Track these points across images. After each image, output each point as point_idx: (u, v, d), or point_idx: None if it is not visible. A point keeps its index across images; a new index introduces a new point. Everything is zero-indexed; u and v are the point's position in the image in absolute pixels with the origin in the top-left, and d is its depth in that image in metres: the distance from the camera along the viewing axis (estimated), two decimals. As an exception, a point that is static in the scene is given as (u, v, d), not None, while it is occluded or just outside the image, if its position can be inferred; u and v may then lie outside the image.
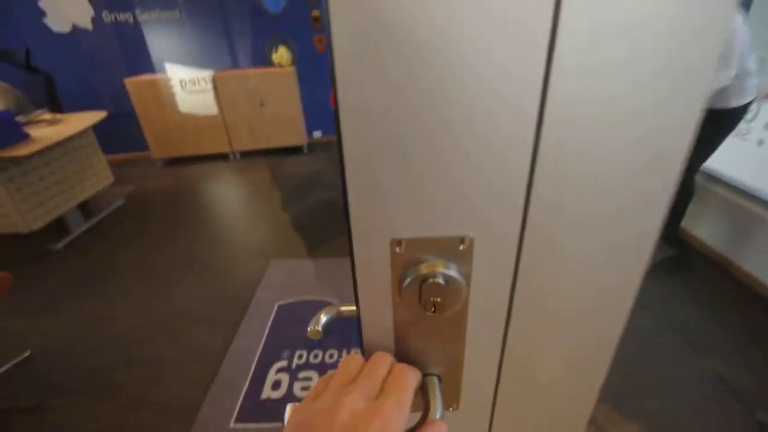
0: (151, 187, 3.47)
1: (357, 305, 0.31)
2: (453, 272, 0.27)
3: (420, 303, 0.28)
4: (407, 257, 0.28)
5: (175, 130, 3.74)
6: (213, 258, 2.35)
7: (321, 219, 2.71)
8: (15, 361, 1.64)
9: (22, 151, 1.96)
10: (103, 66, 3.72)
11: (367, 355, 0.33)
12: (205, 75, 3.59)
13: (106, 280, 2.16)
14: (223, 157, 3.99)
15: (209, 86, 3.59)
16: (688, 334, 1.67)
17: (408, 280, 0.28)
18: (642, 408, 1.37)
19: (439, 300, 0.28)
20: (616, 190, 0.25)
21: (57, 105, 3.13)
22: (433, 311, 0.28)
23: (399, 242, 0.27)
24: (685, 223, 2.27)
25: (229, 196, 3.22)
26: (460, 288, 0.28)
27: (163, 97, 3.58)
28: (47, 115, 2.55)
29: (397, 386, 0.26)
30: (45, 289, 2.11)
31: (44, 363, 1.67)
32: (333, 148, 4.22)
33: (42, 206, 2.25)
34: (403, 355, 0.32)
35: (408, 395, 0.26)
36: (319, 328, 0.36)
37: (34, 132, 2.27)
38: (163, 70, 3.80)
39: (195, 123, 3.73)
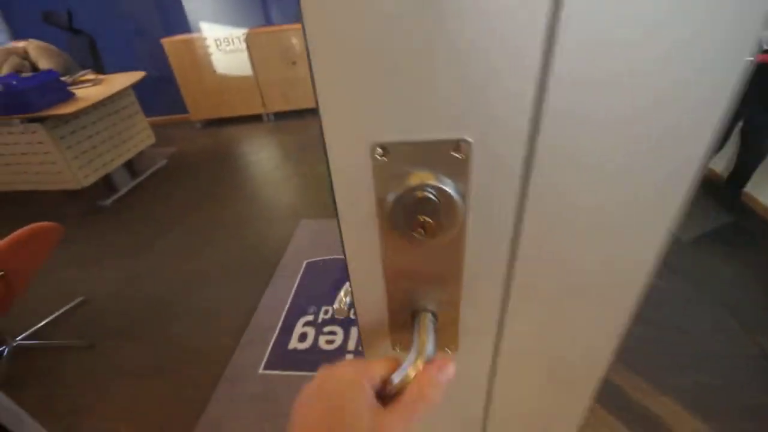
0: (191, 148, 3.58)
1: (339, 230, 0.27)
2: (446, 186, 0.23)
3: (408, 225, 0.24)
4: (391, 167, 0.23)
5: (212, 91, 3.78)
6: (247, 216, 2.41)
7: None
8: (69, 305, 1.80)
9: (69, 108, 2.05)
10: (142, 26, 3.78)
11: (356, 293, 0.30)
12: (239, 33, 3.56)
13: (150, 236, 2.29)
14: (257, 118, 4.01)
15: (243, 45, 3.56)
16: (735, 307, 1.53)
17: (392, 195, 0.23)
18: (677, 383, 1.29)
19: (429, 221, 0.23)
20: (651, 111, 0.19)
21: (100, 66, 3.24)
22: (423, 234, 0.24)
23: (382, 147, 0.23)
24: (750, 188, 2.04)
25: (262, 158, 3.26)
26: (455, 206, 0.23)
27: (199, 57, 3.60)
28: (90, 76, 2.65)
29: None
30: (95, 243, 2.27)
31: (95, 309, 1.82)
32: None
33: (91, 164, 2.38)
34: (393, 290, 0.28)
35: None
36: (345, 307, 0.34)
37: (79, 92, 2.36)
38: (198, 29, 3.80)
39: (230, 84, 3.75)
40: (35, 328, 1.67)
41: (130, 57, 3.88)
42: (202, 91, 3.78)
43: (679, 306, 1.57)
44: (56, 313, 1.75)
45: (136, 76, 2.70)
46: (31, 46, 2.74)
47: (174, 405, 1.38)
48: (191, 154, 3.46)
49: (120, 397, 1.43)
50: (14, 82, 1.96)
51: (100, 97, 2.25)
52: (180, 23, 3.79)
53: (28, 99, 1.99)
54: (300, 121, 3.90)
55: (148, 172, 3.01)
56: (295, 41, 3.57)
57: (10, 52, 2.67)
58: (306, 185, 2.70)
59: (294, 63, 3.67)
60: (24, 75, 2.36)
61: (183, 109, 4.02)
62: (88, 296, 1.87)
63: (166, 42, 3.54)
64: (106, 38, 3.64)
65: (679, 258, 1.80)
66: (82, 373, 1.53)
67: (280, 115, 4.03)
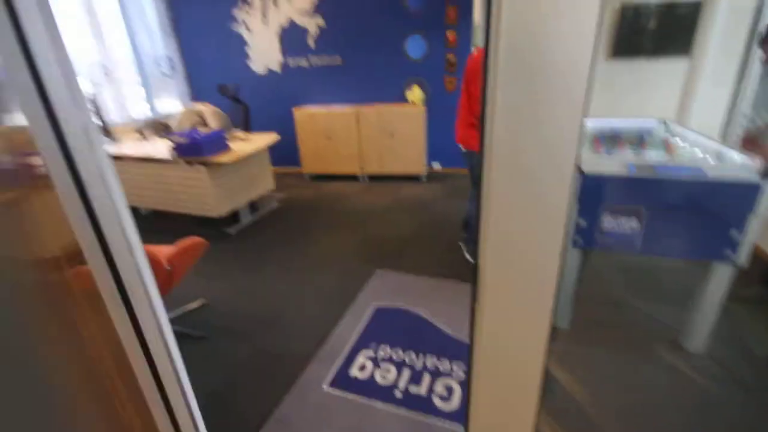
0: (298, 195, 4.30)
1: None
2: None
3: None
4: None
5: (322, 151, 4.56)
6: (334, 257, 2.86)
7: (426, 240, 3.03)
8: (193, 306, 2.34)
9: (226, 159, 2.79)
10: (282, 98, 4.81)
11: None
12: (351, 108, 4.33)
13: (260, 261, 2.85)
14: (354, 178, 4.67)
15: (354, 118, 4.31)
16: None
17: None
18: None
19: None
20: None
21: (248, 126, 4.21)
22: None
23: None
24: None
25: (353, 211, 3.79)
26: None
27: (317, 124, 4.43)
28: (241, 135, 3.50)
29: None
30: (219, 260, 2.89)
31: (211, 310, 2.35)
32: (449, 179, 4.56)
33: (228, 199, 3.10)
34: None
35: None
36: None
37: (233, 145, 3.16)
38: (321, 103, 4.71)
39: (337, 147, 4.50)
40: (169, 315, 2.23)
41: (270, 120, 4.91)
42: (315, 150, 4.58)
43: (753, 428, 1.52)
44: (184, 307, 2.31)
45: (272, 138, 3.49)
46: (207, 109, 3.74)
47: (255, 395, 1.74)
48: (298, 200, 4.16)
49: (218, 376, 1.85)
50: (197, 137, 2.75)
51: (246, 153, 2.99)
52: (309, 98, 4.74)
53: (202, 148, 2.77)
54: (389, 185, 4.45)
55: (265, 211, 3.72)
56: (395, 120, 4.21)
57: (193, 112, 3.69)
58: (384, 241, 3.11)
59: (392, 136, 4.30)
60: (201, 130, 3.26)
61: (297, 163, 4.86)
62: (208, 300, 2.42)
63: (296, 111, 4.45)
64: (257, 106, 4.72)
65: (753, 374, 1.73)
66: (195, 358, 2.00)
67: (374, 177, 4.64)
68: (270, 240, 3.19)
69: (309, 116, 4.43)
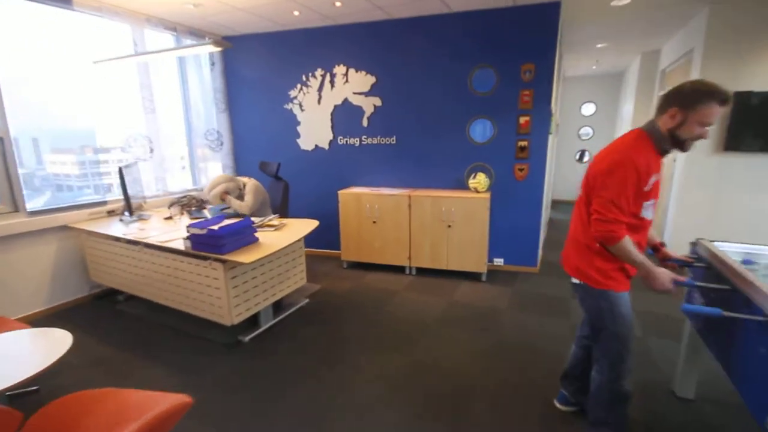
0: (333, 288, 3.66)
1: None
2: None
3: None
4: None
5: (366, 237, 3.99)
6: (372, 401, 2.08)
7: (502, 389, 2.18)
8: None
9: (250, 257, 2.24)
10: (327, 176, 4.42)
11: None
12: (403, 191, 3.81)
13: (273, 394, 2.14)
14: (399, 269, 3.99)
15: (405, 203, 3.75)
16: None
17: None
18: None
19: None
20: None
21: (286, 205, 3.77)
22: None
23: None
24: None
25: (399, 318, 3.05)
26: None
27: (363, 206, 3.91)
28: (275, 221, 3.01)
29: None
30: (219, 384, 2.21)
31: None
32: (516, 280, 3.74)
33: (246, 303, 2.50)
34: None
35: None
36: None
37: (262, 235, 2.64)
38: (370, 185, 4.24)
39: (383, 234, 3.91)
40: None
41: (311, 200, 4.49)
42: (358, 235, 4.01)
43: None
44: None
45: (311, 225, 2.96)
46: (250, 182, 3.35)
47: None
48: (332, 295, 3.50)
49: None
50: (217, 230, 2.25)
51: (277, 247, 2.43)
52: (356, 178, 4.31)
53: (223, 243, 2.25)
54: (442, 281, 3.71)
55: (290, 311, 3.08)
56: (454, 208, 3.60)
57: (236, 181, 3.30)
58: (441, 378, 2.29)
59: (449, 227, 3.66)
60: (229, 217, 2.79)
61: (336, 246, 4.31)
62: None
63: (341, 193, 3.99)
64: (299, 184, 4.35)
65: None
66: None
67: (423, 271, 3.94)
68: (291, 357, 2.49)
69: (354, 197, 3.95)
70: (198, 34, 4.20)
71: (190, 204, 3.76)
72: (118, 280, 3.14)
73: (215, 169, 4.64)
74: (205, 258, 2.37)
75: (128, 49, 3.59)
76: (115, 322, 3.06)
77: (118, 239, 2.84)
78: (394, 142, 4.09)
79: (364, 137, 4.18)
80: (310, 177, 4.48)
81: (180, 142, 4.30)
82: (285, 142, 4.50)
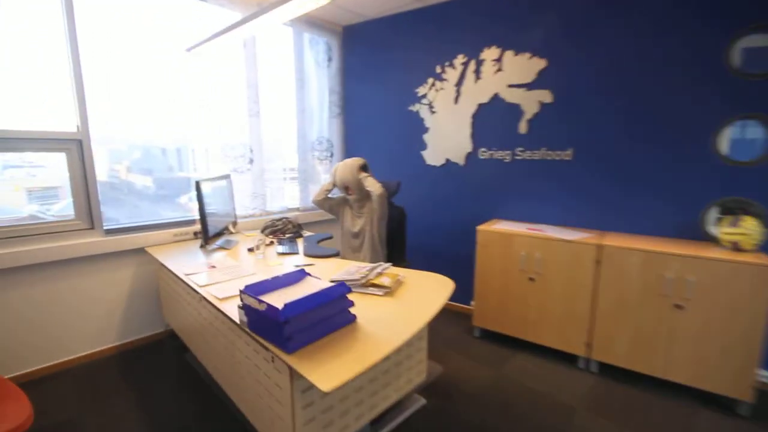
0: (462, 377, 2.39)
1: None
2: None
3: None
4: None
5: (514, 300, 2.64)
6: None
7: None
8: None
9: (336, 376, 1.15)
10: (459, 205, 3.21)
11: None
12: (587, 238, 2.37)
13: None
14: (568, 358, 2.53)
15: (590, 255, 2.31)
16: None
17: None
18: None
19: None
20: None
21: (402, 244, 2.67)
22: None
23: None
24: None
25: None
26: None
27: (514, 254, 2.58)
28: (388, 275, 1.91)
29: None
30: None
31: None
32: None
33: (324, 429, 1.42)
34: None
35: None
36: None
37: (365, 305, 1.56)
38: (525, 219, 2.89)
39: (545, 299, 2.51)
40: None
41: (436, 231, 3.34)
42: (502, 295, 2.69)
43: None
44: None
45: (444, 289, 1.78)
46: (374, 186, 2.40)
47: None
48: (460, 392, 2.24)
49: None
50: (280, 302, 1.22)
51: (389, 349, 1.30)
52: (504, 209, 3.00)
53: (288, 334, 1.21)
54: (649, 397, 2.13)
55: (397, 421, 1.92)
56: (691, 276, 2.02)
57: (354, 172, 2.38)
58: None
59: (678, 307, 2.08)
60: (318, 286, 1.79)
61: (465, 299, 3.06)
62: None
63: (482, 230, 2.73)
64: (418, 209, 3.24)
65: None
66: None
67: (611, 370, 2.40)
68: None
69: (502, 238, 2.64)
70: (316, 24, 3.48)
71: (284, 229, 2.95)
72: (181, 327, 2.44)
73: (314, 187, 3.84)
74: (265, 346, 1.37)
75: (238, 48, 2.99)
76: (169, 374, 2.33)
77: (177, 278, 2.09)
78: (571, 157, 2.67)
79: (519, 149, 2.86)
80: (436, 202, 3.34)
81: (286, 153, 3.60)
82: (406, 154, 3.46)
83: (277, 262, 2.27)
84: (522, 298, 2.61)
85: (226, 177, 2.83)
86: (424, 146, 3.34)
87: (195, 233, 2.84)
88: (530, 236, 2.53)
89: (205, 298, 1.74)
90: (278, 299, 1.33)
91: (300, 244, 2.69)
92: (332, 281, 1.87)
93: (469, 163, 3.13)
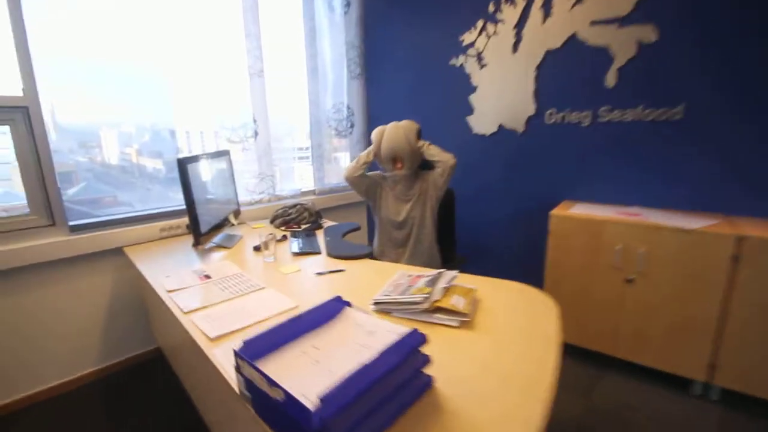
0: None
1: None
2: None
3: None
4: None
5: (602, 307, 2.02)
6: None
7: None
8: None
9: None
10: (519, 183, 2.56)
11: None
12: (717, 226, 1.72)
13: None
14: (677, 382, 1.92)
15: (725, 248, 1.67)
16: None
17: None
18: None
19: None
20: None
21: (451, 232, 2.06)
22: None
23: None
24: None
25: None
26: None
27: (604, 246, 1.95)
28: (458, 291, 1.30)
29: None
30: None
31: None
32: None
33: None
34: None
35: None
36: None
37: (434, 342, 0.97)
38: (613, 201, 2.23)
39: (648, 306, 1.89)
40: None
41: (487, 221, 2.70)
42: (581, 298, 2.07)
43: None
44: None
45: (551, 313, 1.16)
46: (443, 156, 1.77)
47: None
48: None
49: None
50: (313, 397, 0.62)
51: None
52: (582, 189, 2.34)
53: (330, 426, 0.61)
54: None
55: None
56: None
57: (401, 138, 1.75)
58: None
59: None
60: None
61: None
62: None
63: (557, 215, 2.09)
64: (466, 189, 2.60)
65: None
66: None
67: (738, 400, 1.78)
68: None
69: (587, 225, 2.00)
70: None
71: (300, 219, 2.35)
72: (170, 350, 1.89)
73: (341, 163, 3.21)
74: None
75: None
76: (163, 404, 1.80)
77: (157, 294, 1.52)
78: (681, 115, 1.98)
79: (604, 109, 2.18)
80: (485, 182, 2.69)
81: (297, 125, 2.96)
82: (446, 121, 2.78)
83: (293, 267, 1.67)
84: (614, 304, 1.99)
85: (224, 154, 2.21)
86: (469, 110, 2.66)
87: (188, 226, 2.26)
88: (630, 224, 1.89)
89: (190, 336, 1.16)
90: (304, 372, 0.74)
91: (320, 238, 2.09)
92: (376, 303, 1.27)
93: (530, 129, 2.45)
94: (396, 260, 2.07)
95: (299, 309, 1.28)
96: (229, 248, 1.96)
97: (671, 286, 1.83)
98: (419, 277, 1.41)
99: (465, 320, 1.15)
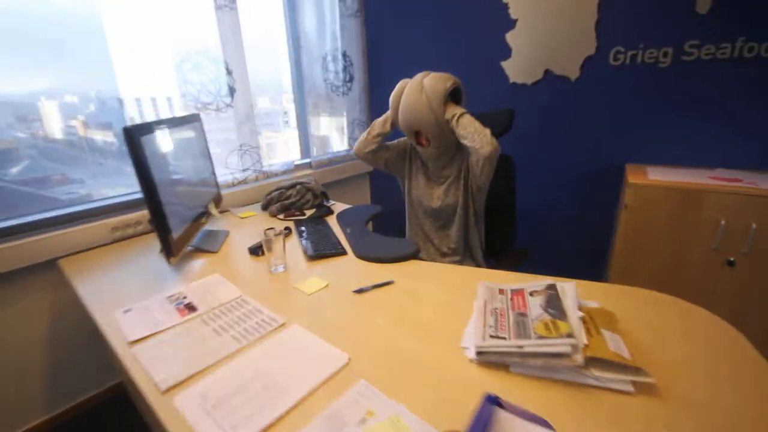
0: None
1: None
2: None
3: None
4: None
5: (689, 294, 1.65)
6: None
7: None
8: None
9: None
10: (569, 145, 2.09)
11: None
12: None
13: None
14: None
15: None
16: None
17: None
18: None
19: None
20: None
21: (510, 217, 1.59)
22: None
23: None
24: None
25: None
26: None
27: (701, 221, 1.55)
28: (598, 316, 0.85)
29: None
30: None
31: None
32: None
33: None
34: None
35: None
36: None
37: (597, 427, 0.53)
38: (700, 164, 1.81)
39: (751, 293, 1.53)
40: None
41: (538, 192, 2.23)
42: (664, 285, 1.69)
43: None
44: None
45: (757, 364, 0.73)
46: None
47: None
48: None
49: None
50: None
51: None
52: (652, 149, 1.89)
53: None
54: None
55: None
56: None
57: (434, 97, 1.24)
58: None
59: None
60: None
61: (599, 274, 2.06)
62: None
63: (635, 184, 1.64)
64: (524, 156, 2.11)
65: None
66: None
67: None
68: None
69: (672, 195, 1.58)
70: None
71: (302, 203, 1.81)
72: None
73: (334, 128, 2.62)
74: None
75: None
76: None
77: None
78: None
79: (691, 44, 1.69)
80: (527, 144, 2.20)
81: (279, 77, 2.32)
82: (475, 68, 2.23)
83: (315, 282, 1.16)
84: (708, 292, 1.62)
85: (193, 120, 1.59)
86: (506, 53, 2.12)
87: (151, 221, 1.67)
88: (737, 193, 1.48)
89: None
90: None
91: (335, 228, 1.57)
92: (481, 353, 0.80)
93: (587, 74, 1.95)
94: (433, 259, 1.59)
95: (360, 364, 0.79)
96: (214, 252, 1.42)
97: (789, 269, 1.46)
98: (520, 294, 0.95)
99: (644, 380, 0.70)
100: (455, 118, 1.36)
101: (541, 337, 0.77)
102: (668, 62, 1.75)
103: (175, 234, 1.23)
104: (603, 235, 2.07)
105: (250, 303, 1.05)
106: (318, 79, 2.35)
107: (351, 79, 2.52)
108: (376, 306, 1.02)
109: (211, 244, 1.46)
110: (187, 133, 1.50)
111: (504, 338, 0.79)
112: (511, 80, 2.13)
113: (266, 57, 2.11)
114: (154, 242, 1.53)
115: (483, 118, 1.40)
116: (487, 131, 1.32)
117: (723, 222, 1.51)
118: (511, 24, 2.05)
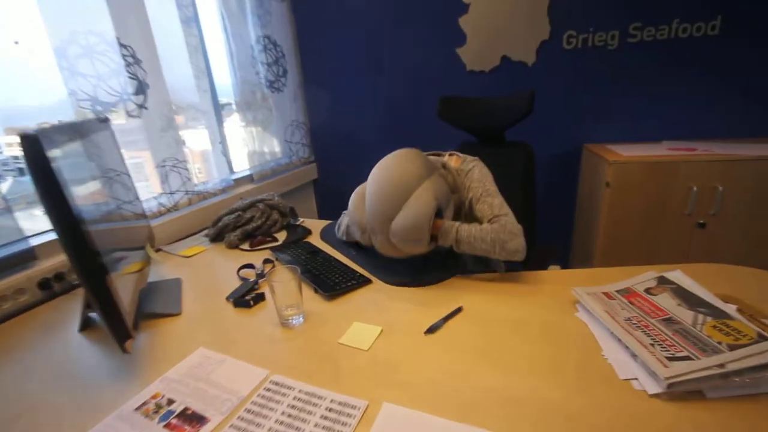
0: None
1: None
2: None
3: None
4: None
5: (666, 260, 1.75)
6: None
7: None
8: None
9: None
10: (531, 131, 2.06)
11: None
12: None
13: None
14: None
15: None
16: None
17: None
18: None
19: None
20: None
21: (532, 216, 1.46)
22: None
23: None
24: None
25: None
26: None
27: (675, 191, 1.64)
28: (751, 320, 0.73)
29: None
30: None
31: None
32: None
33: None
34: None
35: None
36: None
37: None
38: (654, 138, 1.93)
39: (715, 250, 1.68)
40: None
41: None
42: (639, 254, 1.77)
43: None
44: None
45: None
46: (474, 163, 1.02)
47: None
48: None
49: None
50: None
51: None
52: (601, 129, 1.98)
53: None
54: None
55: None
56: None
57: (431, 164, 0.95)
58: None
59: None
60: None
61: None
62: None
63: (616, 162, 1.67)
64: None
65: None
66: None
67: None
68: None
69: (650, 168, 1.65)
70: None
71: (268, 227, 1.42)
72: None
73: (267, 135, 2.20)
74: None
75: None
76: None
77: None
78: (716, 30, 1.73)
79: (635, 26, 1.79)
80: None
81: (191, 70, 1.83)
82: (428, 57, 2.07)
83: (367, 330, 0.83)
84: (682, 253, 1.73)
85: (100, 124, 1.08)
86: (460, 38, 2.00)
87: (41, 283, 1.09)
88: (708, 160, 1.59)
89: None
90: None
91: (330, 251, 1.24)
92: (672, 384, 0.60)
93: (543, 59, 1.94)
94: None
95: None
96: (176, 315, 0.96)
97: (740, 228, 1.62)
98: (635, 295, 0.79)
99: None
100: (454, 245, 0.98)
101: (732, 347, 0.61)
102: (615, 44, 1.83)
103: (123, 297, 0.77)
104: (568, 217, 2.11)
105: (291, 385, 0.68)
106: (248, 72, 1.92)
107: (284, 73, 2.14)
108: (464, 346, 0.76)
109: (167, 304, 0.99)
110: (95, 144, 1.00)
111: (689, 357, 0.61)
112: (468, 68, 2.03)
113: (180, 42, 1.61)
114: (56, 317, 0.99)
115: (502, 103, 1.23)
116: (501, 229, 0.96)
117: (695, 188, 1.61)
118: (464, 8, 1.94)
